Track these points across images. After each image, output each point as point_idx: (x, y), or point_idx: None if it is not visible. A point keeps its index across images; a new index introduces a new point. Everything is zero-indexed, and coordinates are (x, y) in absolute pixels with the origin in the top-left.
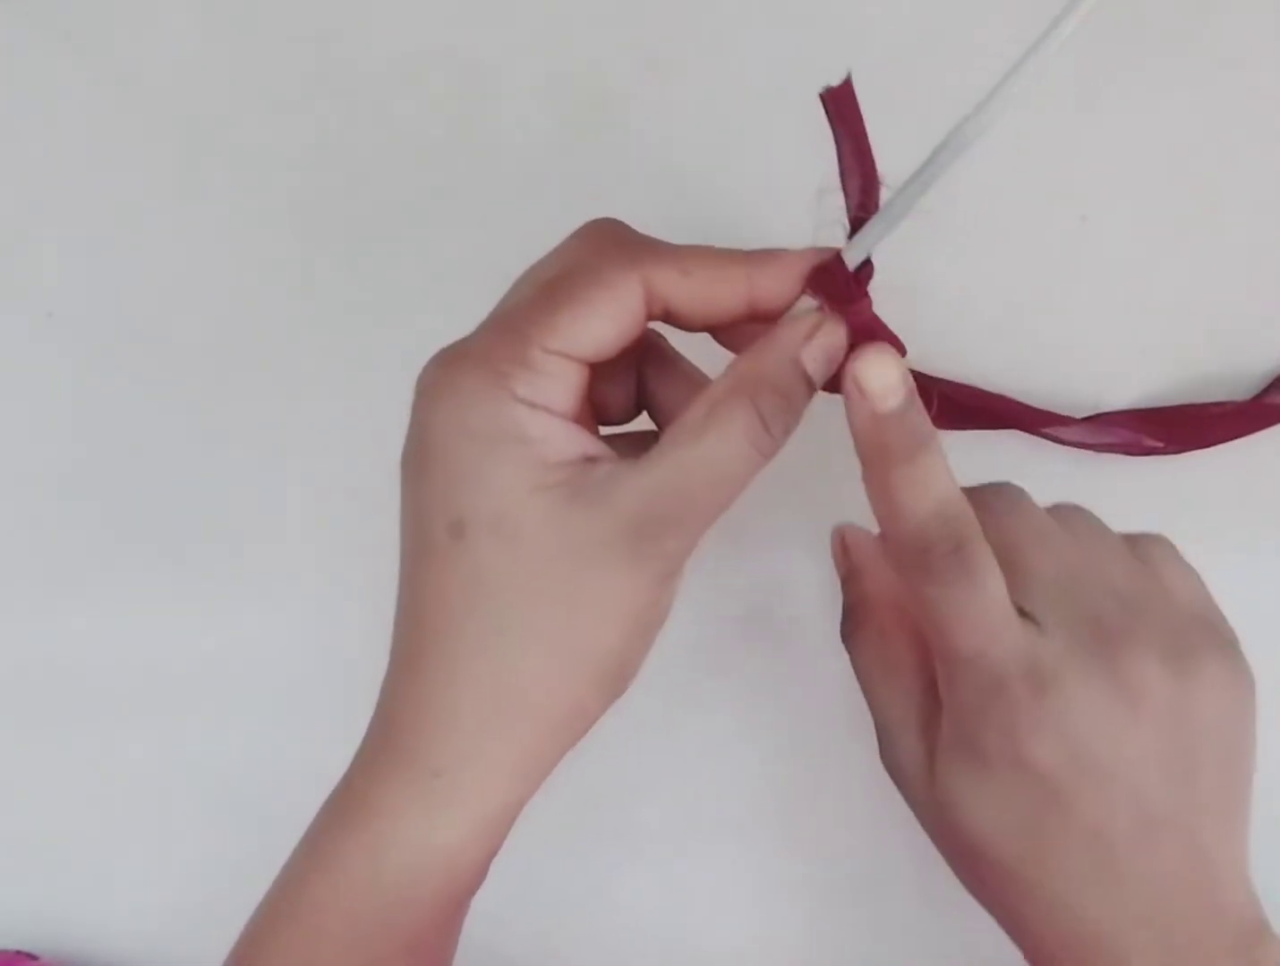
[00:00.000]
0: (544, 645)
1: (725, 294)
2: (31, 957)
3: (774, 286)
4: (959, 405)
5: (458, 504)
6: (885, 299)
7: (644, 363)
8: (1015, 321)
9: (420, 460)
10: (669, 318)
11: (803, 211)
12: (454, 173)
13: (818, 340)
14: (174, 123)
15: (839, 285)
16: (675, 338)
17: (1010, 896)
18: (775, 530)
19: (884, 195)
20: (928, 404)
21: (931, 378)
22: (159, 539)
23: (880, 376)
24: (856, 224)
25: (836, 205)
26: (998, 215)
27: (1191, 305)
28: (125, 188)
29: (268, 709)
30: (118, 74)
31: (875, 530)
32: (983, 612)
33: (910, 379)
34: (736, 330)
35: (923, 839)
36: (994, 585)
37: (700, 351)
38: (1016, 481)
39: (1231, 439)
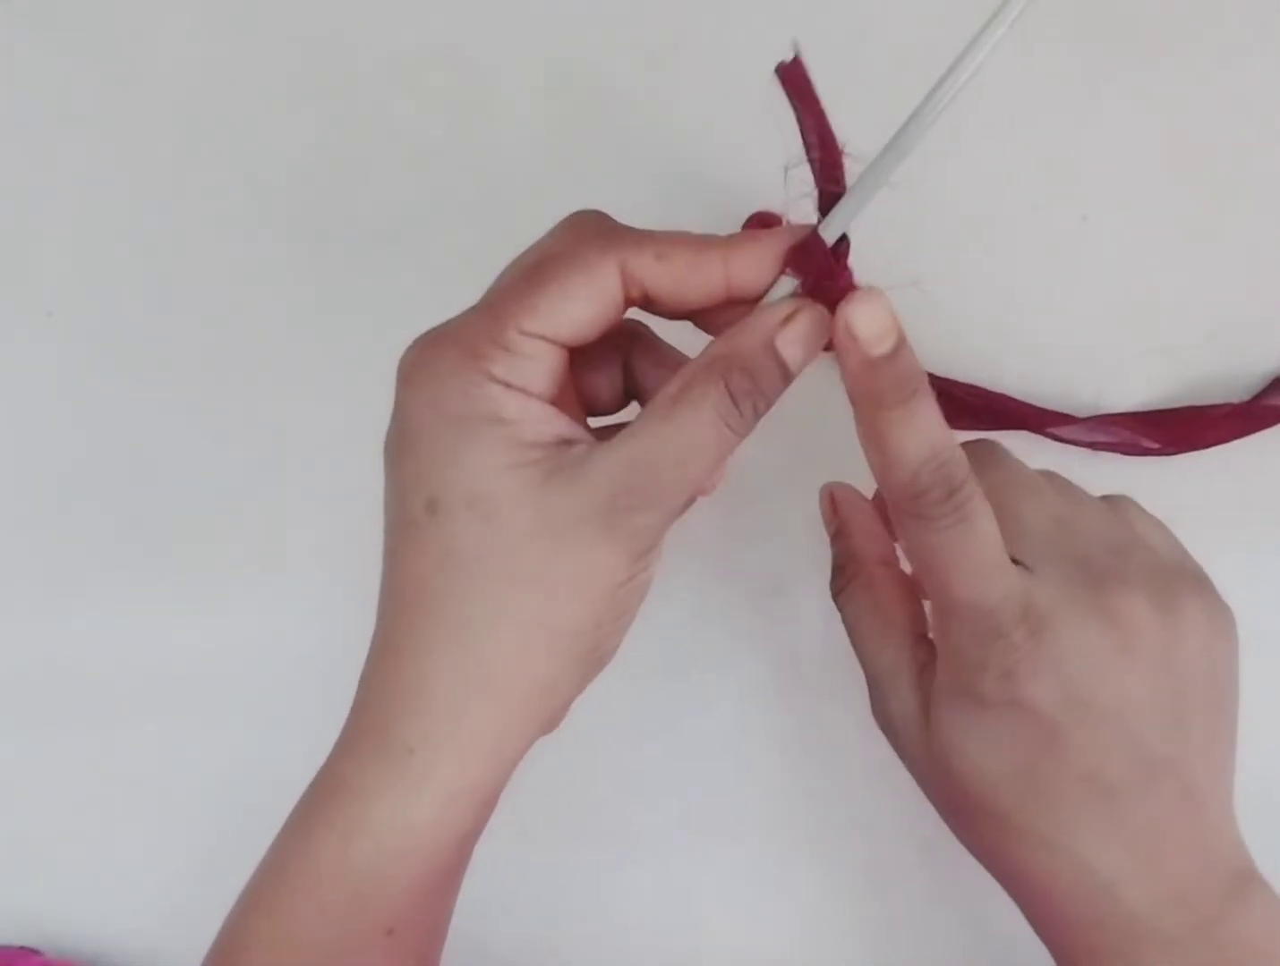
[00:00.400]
0: (516, 623)
1: (701, 276)
2: (34, 953)
3: (750, 268)
4: (959, 403)
5: (434, 482)
6: None
7: (631, 351)
8: (1015, 321)
9: (400, 440)
10: (648, 302)
11: (803, 213)
12: (454, 173)
13: (793, 325)
14: (174, 123)
15: (818, 262)
16: (662, 327)
17: (1006, 844)
18: (776, 527)
19: (852, 167)
20: None
21: (931, 375)
22: (159, 539)
23: (871, 321)
24: (824, 196)
25: (804, 179)
26: (998, 215)
27: (1191, 305)
28: (125, 187)
29: (267, 709)
30: (118, 74)
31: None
32: (979, 556)
33: (901, 325)
34: (718, 316)
35: (924, 837)
36: (989, 528)
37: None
38: None
39: (1230, 440)
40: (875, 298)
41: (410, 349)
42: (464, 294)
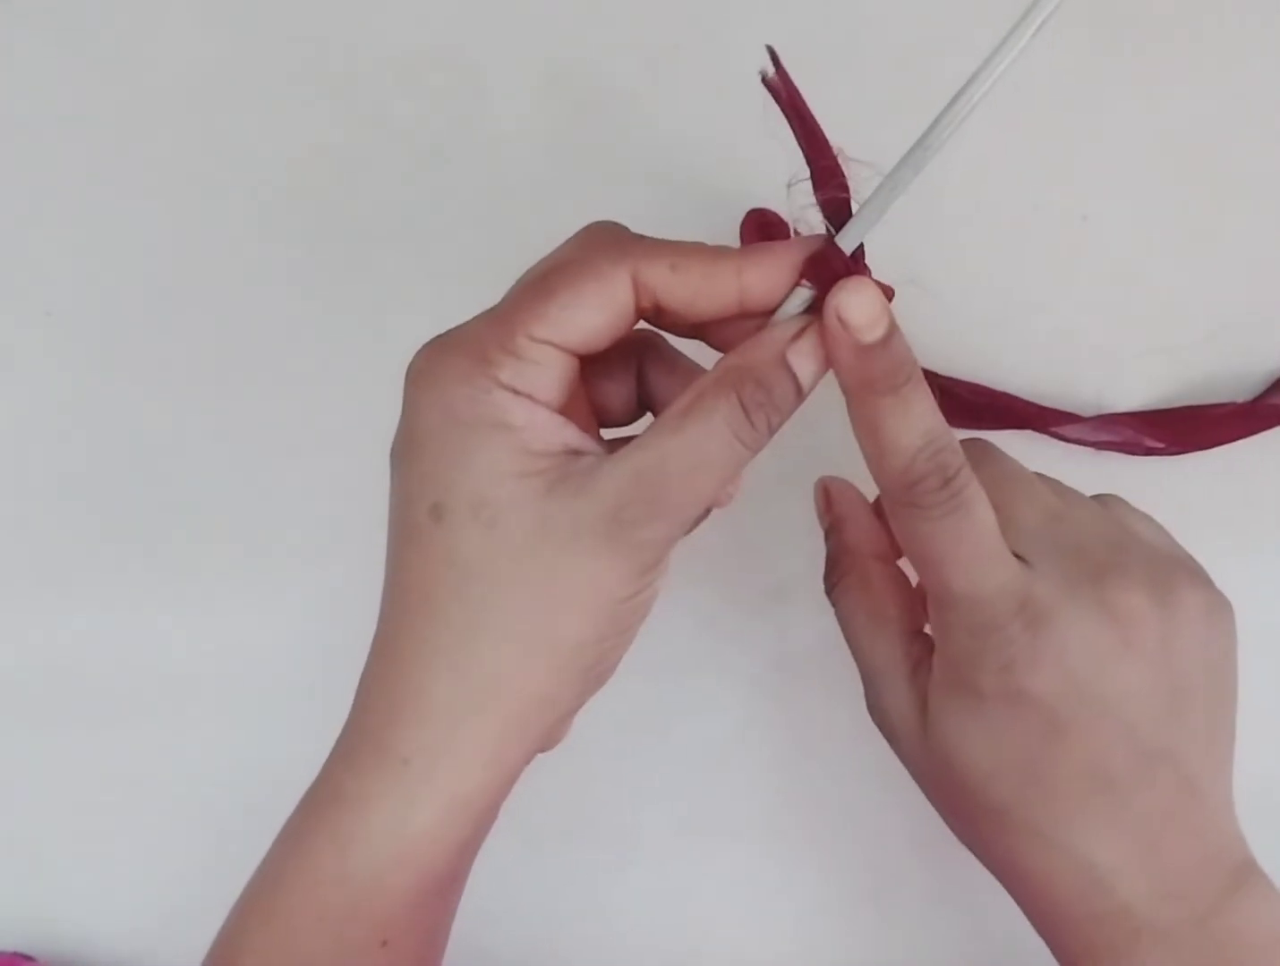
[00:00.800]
0: (516, 634)
1: (715, 287)
2: (28, 959)
3: (766, 278)
4: (961, 402)
5: (439, 487)
6: None
7: (645, 362)
8: (1016, 321)
9: (406, 445)
10: (660, 314)
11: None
12: (453, 173)
13: (805, 339)
14: (173, 123)
15: (837, 272)
16: (676, 341)
17: (1003, 839)
18: (776, 528)
19: (851, 169)
20: None
21: (933, 374)
22: (159, 539)
23: (862, 308)
24: (827, 204)
25: (806, 191)
26: (999, 215)
27: (1192, 305)
28: (125, 187)
29: (266, 709)
30: (118, 74)
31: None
32: (976, 545)
33: (892, 312)
34: (728, 330)
35: (923, 838)
36: (986, 517)
37: (704, 355)
38: None
39: (1233, 440)
40: (865, 286)
41: (419, 354)
42: (464, 294)
